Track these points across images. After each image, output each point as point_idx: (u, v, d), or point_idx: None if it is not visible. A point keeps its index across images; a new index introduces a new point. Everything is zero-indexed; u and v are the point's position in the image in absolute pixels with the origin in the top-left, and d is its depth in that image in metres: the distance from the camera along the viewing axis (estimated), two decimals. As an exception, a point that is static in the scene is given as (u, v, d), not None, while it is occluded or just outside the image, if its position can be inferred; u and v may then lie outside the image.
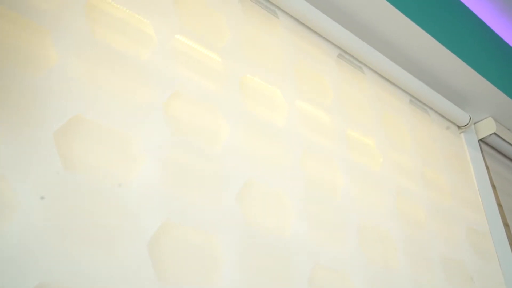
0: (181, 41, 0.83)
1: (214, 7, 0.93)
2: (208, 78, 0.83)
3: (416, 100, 1.32)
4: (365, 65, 1.21)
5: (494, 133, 1.44)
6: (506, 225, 1.34)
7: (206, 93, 0.81)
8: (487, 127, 1.46)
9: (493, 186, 1.40)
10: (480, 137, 1.47)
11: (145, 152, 0.67)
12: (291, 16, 1.09)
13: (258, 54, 0.95)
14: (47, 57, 0.64)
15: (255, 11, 1.01)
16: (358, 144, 1.05)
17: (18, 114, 0.58)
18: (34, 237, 0.52)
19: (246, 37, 0.95)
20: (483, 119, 1.48)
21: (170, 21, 0.83)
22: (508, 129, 1.52)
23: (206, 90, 0.81)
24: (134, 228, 0.61)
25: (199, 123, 0.77)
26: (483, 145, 1.48)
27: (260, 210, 0.77)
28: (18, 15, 0.64)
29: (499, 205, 1.37)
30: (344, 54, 1.17)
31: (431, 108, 1.36)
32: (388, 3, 1.12)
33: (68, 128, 0.61)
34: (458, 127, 1.42)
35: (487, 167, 1.43)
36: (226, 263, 0.67)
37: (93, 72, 0.68)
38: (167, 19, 0.83)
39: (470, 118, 1.39)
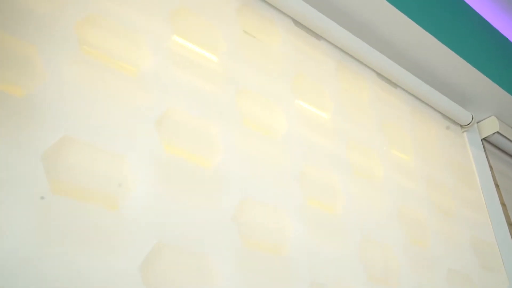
0: (176, 53, 0.82)
1: (212, 16, 0.92)
2: (202, 93, 0.82)
3: (418, 100, 1.32)
4: (366, 65, 1.21)
5: (497, 132, 1.43)
6: (510, 224, 1.33)
7: (201, 107, 0.80)
8: (490, 126, 1.45)
9: (497, 186, 1.39)
10: (483, 136, 1.46)
11: (138, 169, 0.66)
12: (289, 17, 1.09)
13: (256, 60, 0.95)
14: (36, 74, 0.63)
15: (254, 13, 1.01)
16: (360, 145, 1.04)
17: (8, 131, 0.58)
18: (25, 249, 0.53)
19: (244, 44, 0.95)
20: (486, 118, 1.47)
21: (164, 35, 0.82)
22: (512, 128, 1.51)
23: (201, 104, 0.80)
24: (127, 249, 0.60)
25: (194, 138, 0.76)
26: (486, 144, 1.47)
27: (258, 223, 0.75)
28: (4, 32, 0.63)
29: (503, 205, 1.36)
30: (344, 55, 1.17)
31: (433, 108, 1.35)
32: (387, 3, 1.11)
33: (58, 147, 0.60)
34: (461, 126, 1.41)
35: (490, 167, 1.42)
36: (222, 282, 0.66)
37: (84, 88, 0.67)
38: (161, 34, 0.81)
39: (472, 117, 1.38)
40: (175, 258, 0.63)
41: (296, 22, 1.09)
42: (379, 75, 1.23)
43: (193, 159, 0.73)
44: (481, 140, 1.46)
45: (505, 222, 1.30)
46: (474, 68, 1.30)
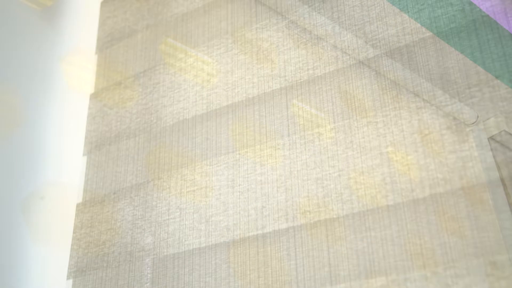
0: (164, 89, 0.79)
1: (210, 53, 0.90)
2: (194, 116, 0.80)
3: (422, 99, 1.30)
4: (368, 66, 1.20)
5: (504, 131, 1.41)
6: (517, 224, 1.32)
7: (190, 141, 0.78)
8: (497, 124, 1.43)
9: (504, 185, 1.37)
10: (490, 135, 1.44)
11: (126, 215, 0.65)
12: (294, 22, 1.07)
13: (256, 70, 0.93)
14: (17, 114, 0.62)
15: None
16: (362, 153, 1.03)
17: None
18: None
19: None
20: (492, 116, 1.45)
21: (152, 74, 0.80)
22: (519, 126, 1.49)
23: (191, 137, 0.79)
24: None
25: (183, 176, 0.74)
26: (493, 143, 1.45)
27: (255, 271, 0.74)
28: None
29: (510, 204, 1.35)
30: (345, 56, 1.16)
31: (438, 107, 1.34)
32: (390, 4, 1.10)
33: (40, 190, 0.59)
34: (466, 125, 1.39)
35: (497, 165, 1.40)
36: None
37: (66, 127, 0.66)
38: (153, 72, 0.80)
39: (477, 116, 1.37)
40: None
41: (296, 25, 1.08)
42: (382, 75, 1.22)
43: (184, 203, 0.72)
44: (488, 139, 1.44)
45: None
46: (480, 67, 1.28)
